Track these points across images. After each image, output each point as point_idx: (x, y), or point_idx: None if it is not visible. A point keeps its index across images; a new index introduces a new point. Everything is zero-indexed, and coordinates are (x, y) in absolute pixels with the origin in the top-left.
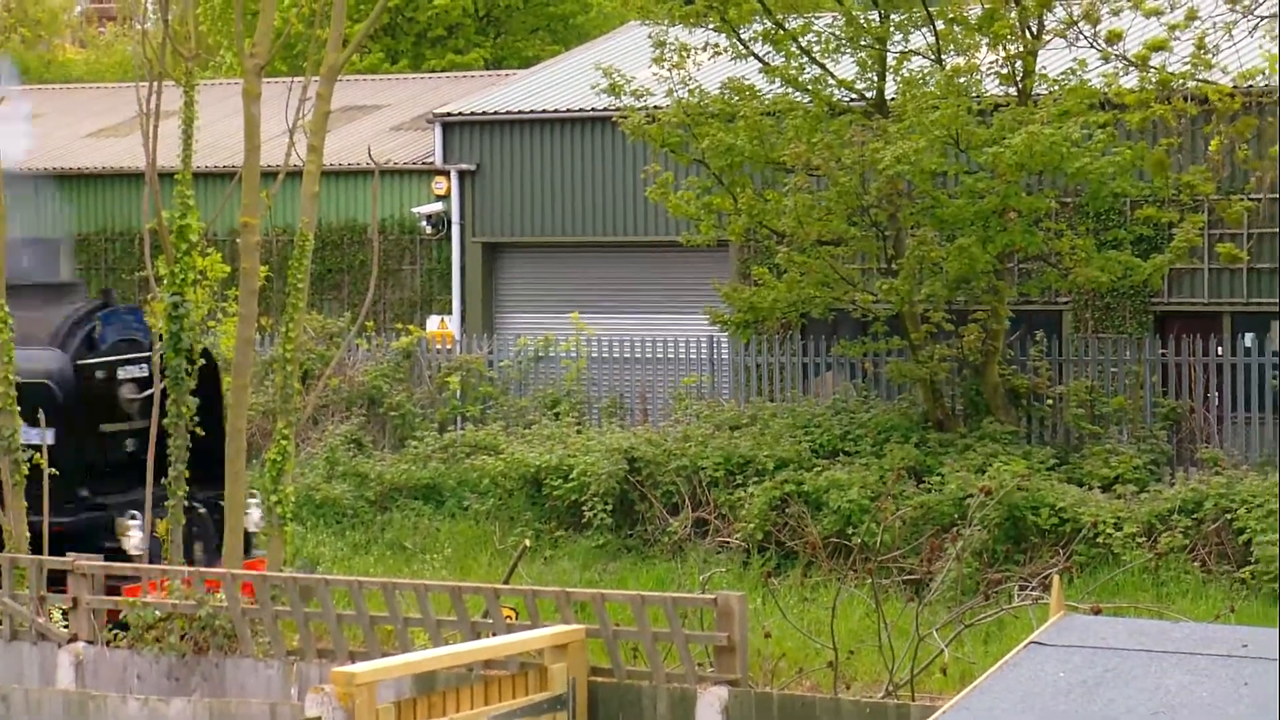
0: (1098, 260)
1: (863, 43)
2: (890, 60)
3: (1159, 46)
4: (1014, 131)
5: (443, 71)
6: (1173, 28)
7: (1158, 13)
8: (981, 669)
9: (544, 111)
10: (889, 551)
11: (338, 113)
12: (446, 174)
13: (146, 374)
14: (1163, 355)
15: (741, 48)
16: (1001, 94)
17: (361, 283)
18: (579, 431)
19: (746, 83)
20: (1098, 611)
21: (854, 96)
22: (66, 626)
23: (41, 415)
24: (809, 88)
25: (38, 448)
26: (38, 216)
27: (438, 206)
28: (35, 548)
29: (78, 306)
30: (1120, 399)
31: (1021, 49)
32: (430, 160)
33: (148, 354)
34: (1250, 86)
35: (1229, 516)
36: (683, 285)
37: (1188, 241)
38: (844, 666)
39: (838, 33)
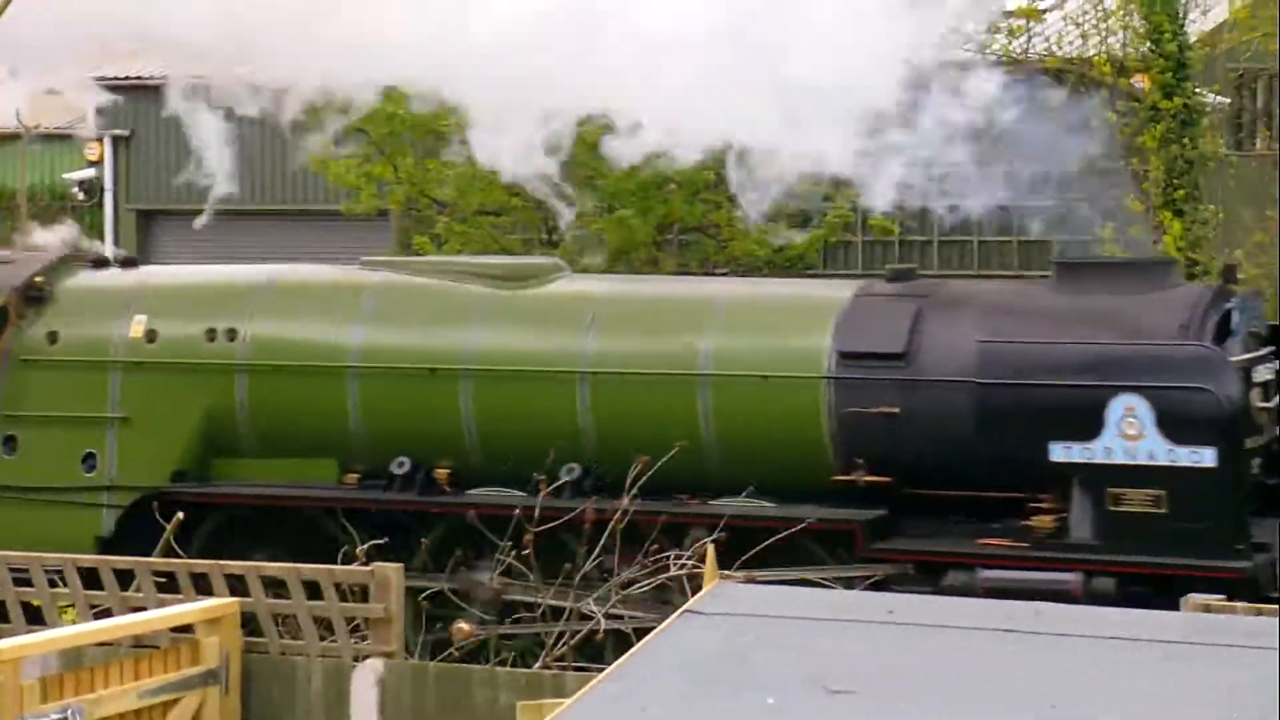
0: (755, 233)
1: None
2: None
3: None
4: None
5: None
6: None
7: None
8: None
9: (198, 77)
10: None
11: None
12: (100, 139)
13: (1273, 375)
14: None
15: None
16: None
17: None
18: None
19: None
20: (751, 580)
21: None
22: None
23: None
24: None
25: (1199, 472)
26: None
27: (90, 172)
28: None
29: (1198, 291)
30: None
31: None
32: (83, 125)
33: (1275, 350)
34: None
35: None
36: (344, 254)
37: (841, 216)
38: None
39: None
